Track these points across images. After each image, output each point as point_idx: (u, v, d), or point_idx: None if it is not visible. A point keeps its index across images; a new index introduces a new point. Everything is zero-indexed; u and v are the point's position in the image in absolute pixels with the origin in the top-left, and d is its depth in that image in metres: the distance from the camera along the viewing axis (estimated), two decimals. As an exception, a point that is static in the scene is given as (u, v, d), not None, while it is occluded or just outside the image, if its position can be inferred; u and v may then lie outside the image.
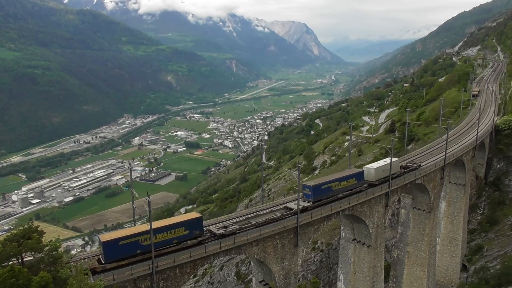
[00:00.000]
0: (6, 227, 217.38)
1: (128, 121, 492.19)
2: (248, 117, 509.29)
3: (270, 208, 41.32)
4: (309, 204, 41.17)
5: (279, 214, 38.54)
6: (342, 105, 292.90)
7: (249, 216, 39.11)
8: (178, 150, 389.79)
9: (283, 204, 42.45)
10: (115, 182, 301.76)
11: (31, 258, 24.08)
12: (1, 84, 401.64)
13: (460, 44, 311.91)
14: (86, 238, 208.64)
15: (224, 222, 36.94)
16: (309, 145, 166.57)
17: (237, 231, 34.77)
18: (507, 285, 51.64)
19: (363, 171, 48.06)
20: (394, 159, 50.44)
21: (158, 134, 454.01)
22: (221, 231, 34.34)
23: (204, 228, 34.31)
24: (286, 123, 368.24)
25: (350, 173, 46.40)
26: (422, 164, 55.50)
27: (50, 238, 25.57)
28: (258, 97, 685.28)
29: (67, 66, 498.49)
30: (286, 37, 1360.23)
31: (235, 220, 37.81)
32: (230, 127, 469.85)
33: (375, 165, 49.63)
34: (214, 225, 36.20)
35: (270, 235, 37.10)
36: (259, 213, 39.84)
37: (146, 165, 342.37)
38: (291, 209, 39.83)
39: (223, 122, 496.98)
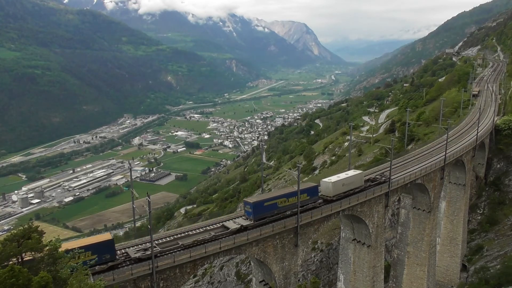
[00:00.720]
0: (6, 227, 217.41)
1: (128, 121, 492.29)
2: (248, 117, 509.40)
3: (206, 226, 37.11)
4: (249, 222, 36.89)
5: (213, 234, 34.52)
6: (342, 105, 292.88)
7: (178, 236, 34.96)
8: (178, 150, 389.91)
9: (231, 220, 38.31)
10: (115, 182, 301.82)
11: (31, 257, 24.05)
12: (1, 84, 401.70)
13: (460, 44, 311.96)
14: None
15: (147, 244, 32.39)
16: (309, 145, 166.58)
17: (159, 254, 30.89)
18: (507, 285, 51.62)
19: (317, 186, 43.42)
20: (356, 172, 47.30)
21: (158, 134, 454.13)
22: (139, 254, 30.75)
23: (123, 250, 31.66)
24: (286, 123, 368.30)
25: (301, 188, 40.64)
26: (393, 177, 50.31)
27: (50, 238, 25.50)
28: (258, 97, 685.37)
29: (67, 66, 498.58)
30: (286, 37, 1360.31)
31: (162, 241, 33.72)
32: (230, 127, 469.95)
33: (333, 178, 44.73)
34: (135, 247, 32.53)
35: (270, 235, 37.13)
36: (191, 233, 35.70)
37: (146, 165, 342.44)
38: (228, 228, 35.91)
39: (223, 122, 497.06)
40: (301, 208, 39.24)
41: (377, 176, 50.20)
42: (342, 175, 45.83)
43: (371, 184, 48.02)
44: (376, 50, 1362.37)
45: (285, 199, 39.05)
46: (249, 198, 41.23)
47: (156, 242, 32.51)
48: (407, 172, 53.96)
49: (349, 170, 50.91)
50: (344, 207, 43.50)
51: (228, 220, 38.23)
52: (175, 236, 34.86)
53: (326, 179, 44.66)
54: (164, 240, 34.10)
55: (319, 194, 43.54)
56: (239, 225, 36.15)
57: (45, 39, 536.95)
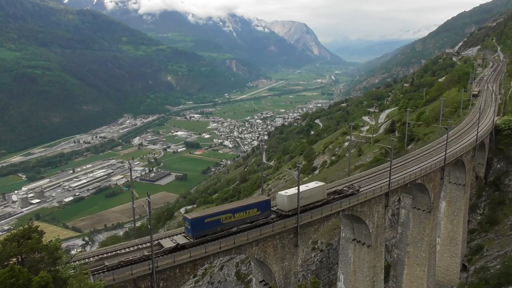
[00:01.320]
0: (6, 227, 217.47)
1: (128, 121, 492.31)
2: (248, 117, 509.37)
3: (140, 244, 33.60)
4: (187, 241, 33.38)
5: (145, 253, 31.27)
6: (342, 105, 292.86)
7: (105, 255, 31.42)
8: (178, 150, 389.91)
9: (170, 237, 34.75)
10: (115, 182, 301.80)
11: (31, 257, 24.09)
12: (1, 84, 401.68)
13: (460, 44, 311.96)
14: (86, 238, 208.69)
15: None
16: (309, 145, 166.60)
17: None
18: (507, 285, 51.63)
19: (269, 199, 39.82)
20: (319, 184, 43.11)
21: (158, 134, 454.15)
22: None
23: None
24: (286, 123, 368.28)
25: (250, 202, 38.09)
26: (362, 189, 47.30)
27: (50, 238, 25.55)
28: (258, 97, 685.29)
29: (67, 66, 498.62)
30: (286, 37, 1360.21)
31: (87, 260, 30.29)
32: (230, 127, 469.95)
33: (290, 190, 40.62)
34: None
35: (270, 235, 37.14)
36: (121, 251, 32.30)
37: (146, 165, 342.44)
38: (163, 246, 32.49)
39: (223, 122, 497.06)
40: (249, 224, 36.42)
41: (344, 188, 46.57)
42: (302, 187, 41.18)
43: (336, 197, 44.13)
44: (376, 50, 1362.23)
45: (231, 214, 35.66)
46: (189, 213, 38.48)
47: (78, 262, 28.33)
48: (407, 172, 53.96)
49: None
50: (344, 207, 43.51)
51: (166, 237, 34.64)
52: (102, 256, 31.33)
53: (282, 192, 40.80)
54: (89, 259, 30.60)
55: (275, 208, 40.30)
56: (175, 244, 32.66)
57: (45, 39, 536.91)
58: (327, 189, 45.04)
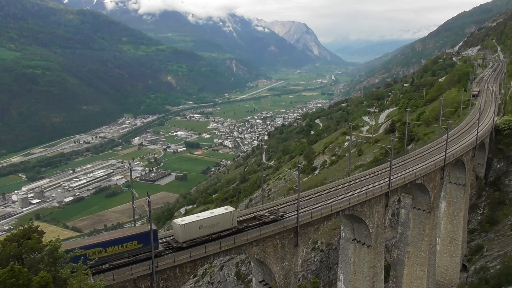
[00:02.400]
0: (6, 227, 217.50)
1: (128, 121, 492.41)
2: (248, 117, 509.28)
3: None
4: None
5: None
6: (342, 105, 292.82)
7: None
8: (178, 150, 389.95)
9: None
10: (115, 182, 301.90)
11: (31, 257, 24.09)
12: (1, 84, 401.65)
13: (460, 44, 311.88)
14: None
15: None
16: (309, 145, 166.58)
17: None
18: (507, 285, 51.63)
19: (155, 230, 32.50)
20: (228, 209, 36.24)
21: (158, 134, 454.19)
22: None
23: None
24: (286, 123, 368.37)
25: (129, 233, 31.50)
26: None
27: (50, 238, 25.54)
28: (258, 97, 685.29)
29: (67, 66, 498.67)
30: (286, 37, 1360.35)
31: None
32: (230, 127, 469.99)
33: (188, 218, 34.72)
34: None
35: (270, 235, 37.13)
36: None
37: (146, 165, 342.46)
38: None
39: (223, 122, 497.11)
40: (128, 258, 30.45)
41: (265, 213, 39.60)
42: (205, 214, 35.70)
43: (250, 225, 37.06)
44: (376, 50, 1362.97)
45: (101, 248, 29.32)
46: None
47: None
48: (407, 172, 53.98)
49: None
50: (344, 207, 43.52)
51: None
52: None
53: (178, 220, 34.63)
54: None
55: (171, 237, 34.70)
56: None
57: (45, 39, 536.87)
58: (243, 216, 39.20)
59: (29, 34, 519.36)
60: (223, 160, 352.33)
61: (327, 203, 43.59)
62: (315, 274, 66.98)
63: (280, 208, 42.46)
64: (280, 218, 38.95)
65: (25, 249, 23.47)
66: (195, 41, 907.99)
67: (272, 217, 38.64)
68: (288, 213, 40.71)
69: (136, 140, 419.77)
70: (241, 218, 38.42)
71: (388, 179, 49.17)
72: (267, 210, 40.97)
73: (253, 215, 39.76)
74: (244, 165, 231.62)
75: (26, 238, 23.97)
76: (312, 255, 70.32)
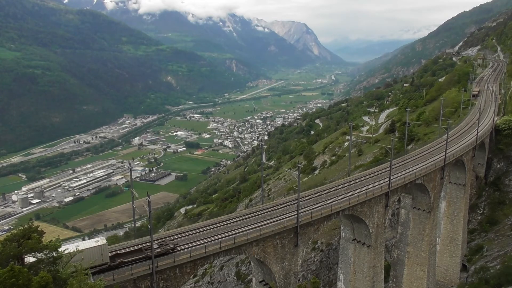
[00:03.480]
0: (6, 227, 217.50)
1: (128, 121, 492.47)
2: (248, 117, 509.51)
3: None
4: None
5: None
6: (342, 105, 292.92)
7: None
8: (178, 150, 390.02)
9: None
10: (115, 182, 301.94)
11: (30, 256, 24.08)
12: (1, 84, 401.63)
13: (460, 44, 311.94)
14: (86, 238, 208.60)
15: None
16: (309, 145, 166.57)
17: None
18: (507, 285, 51.60)
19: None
20: (98, 243, 29.32)
21: (158, 134, 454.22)
22: None
23: None
24: (286, 123, 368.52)
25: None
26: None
27: (50, 238, 25.54)
28: (258, 97, 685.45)
29: (67, 66, 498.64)
30: (286, 37, 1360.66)
31: None
32: (230, 127, 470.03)
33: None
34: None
35: (270, 235, 37.12)
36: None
37: (146, 165, 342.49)
38: None
39: (223, 122, 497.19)
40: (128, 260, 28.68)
41: (148, 247, 31.70)
42: (70, 247, 28.03)
43: (126, 261, 30.44)
44: (376, 50, 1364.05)
45: None
46: None
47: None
48: (407, 172, 53.95)
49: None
50: (344, 207, 43.50)
51: None
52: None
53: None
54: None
55: None
56: None
57: (45, 39, 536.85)
58: (125, 248, 32.76)
59: (29, 34, 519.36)
60: (223, 160, 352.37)
61: (327, 203, 43.52)
62: (315, 274, 66.97)
63: (175, 238, 35.07)
64: (171, 251, 32.36)
65: (25, 249, 23.47)
66: (195, 41, 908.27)
67: (159, 250, 31.97)
68: (180, 245, 33.71)
69: (136, 140, 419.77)
70: (123, 251, 32.15)
71: (388, 179, 49.12)
72: (155, 242, 33.16)
73: (139, 246, 32.97)
74: (244, 165, 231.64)
75: (26, 238, 23.98)
76: (312, 255, 70.30)
